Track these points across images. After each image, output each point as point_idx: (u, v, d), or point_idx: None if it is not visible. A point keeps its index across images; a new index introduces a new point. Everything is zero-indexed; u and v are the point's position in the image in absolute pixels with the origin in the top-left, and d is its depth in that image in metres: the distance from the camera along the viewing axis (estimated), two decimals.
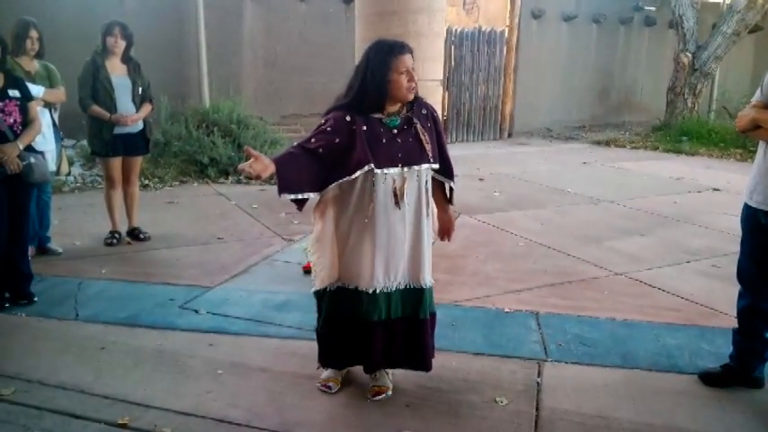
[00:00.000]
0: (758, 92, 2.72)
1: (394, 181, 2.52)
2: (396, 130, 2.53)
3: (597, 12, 13.07)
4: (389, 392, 2.78)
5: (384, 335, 2.66)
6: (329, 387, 2.82)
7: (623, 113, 14.15)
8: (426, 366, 2.75)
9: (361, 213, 2.56)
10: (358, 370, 2.93)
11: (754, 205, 2.73)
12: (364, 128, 2.49)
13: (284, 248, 4.88)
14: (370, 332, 2.63)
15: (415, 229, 2.62)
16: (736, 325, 2.95)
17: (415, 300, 2.68)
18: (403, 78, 2.49)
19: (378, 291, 2.60)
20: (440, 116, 2.77)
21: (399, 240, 2.59)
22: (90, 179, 7.04)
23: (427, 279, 2.70)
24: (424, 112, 2.63)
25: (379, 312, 2.61)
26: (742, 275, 2.89)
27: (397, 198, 2.53)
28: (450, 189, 2.80)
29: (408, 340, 2.70)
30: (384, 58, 2.50)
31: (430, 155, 2.59)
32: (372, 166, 2.47)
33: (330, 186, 2.55)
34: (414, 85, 2.52)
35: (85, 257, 4.56)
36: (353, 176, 2.49)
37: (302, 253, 4.45)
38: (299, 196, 2.53)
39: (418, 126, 2.57)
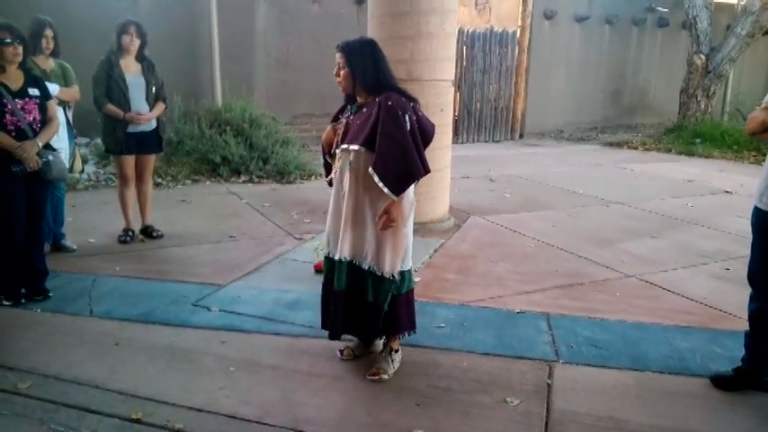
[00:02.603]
0: None
1: (340, 158, 2.86)
2: (352, 116, 2.87)
3: (610, 13, 13.02)
4: (385, 376, 2.89)
5: (340, 302, 2.90)
6: (340, 351, 3.11)
7: (636, 115, 14.09)
8: (368, 341, 3.10)
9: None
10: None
11: (763, 208, 2.72)
12: (340, 115, 2.98)
13: (295, 247, 4.90)
14: (335, 298, 2.91)
15: (341, 203, 2.85)
16: (748, 328, 2.94)
17: (359, 277, 2.87)
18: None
19: (328, 254, 2.97)
20: (392, 110, 2.69)
21: (336, 212, 2.90)
22: (104, 177, 7.11)
23: (352, 258, 2.84)
24: (377, 100, 2.75)
25: (333, 275, 2.90)
26: (753, 278, 2.88)
27: (333, 172, 2.92)
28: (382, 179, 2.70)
29: (356, 310, 2.92)
30: None
31: (355, 137, 2.79)
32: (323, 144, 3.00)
33: None
34: (337, 78, 2.85)
35: (99, 254, 4.61)
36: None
37: (313, 252, 4.47)
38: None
39: (349, 114, 2.88)
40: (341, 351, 3.11)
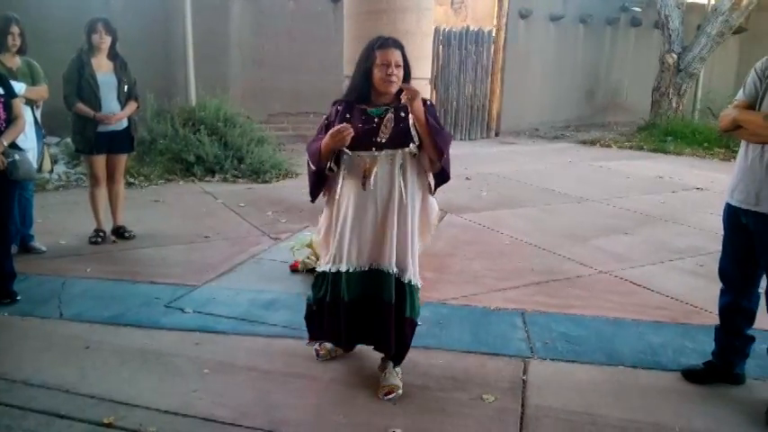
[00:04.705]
0: (740, 92, 2.76)
1: (365, 162, 2.65)
2: (377, 119, 2.66)
3: (584, 12, 13.16)
4: (400, 391, 2.78)
5: (357, 313, 2.76)
6: (317, 351, 3.04)
7: (609, 113, 14.27)
8: (388, 349, 2.80)
9: (339, 196, 2.73)
10: (347, 368, 2.94)
11: (735, 204, 2.77)
12: (347, 115, 2.69)
13: (271, 247, 4.86)
14: (348, 311, 2.76)
15: (385, 211, 2.68)
16: (719, 322, 2.99)
17: (384, 284, 2.71)
18: (380, 71, 2.63)
19: (351, 270, 2.73)
20: (434, 108, 2.77)
21: (369, 221, 2.70)
22: (75, 177, 6.97)
23: (398, 269, 2.71)
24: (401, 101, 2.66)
25: (355, 291, 2.74)
26: (724, 273, 2.93)
27: (365, 179, 2.64)
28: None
29: (375, 320, 2.76)
30: (368, 52, 2.69)
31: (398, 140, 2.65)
32: (344, 148, 2.63)
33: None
34: (392, 78, 2.62)
35: (70, 256, 4.52)
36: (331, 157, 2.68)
37: (289, 251, 4.44)
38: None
39: (388, 115, 2.65)
40: (317, 351, 3.08)
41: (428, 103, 2.71)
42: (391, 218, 2.68)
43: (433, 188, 2.81)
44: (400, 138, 2.65)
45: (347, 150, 2.65)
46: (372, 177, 2.64)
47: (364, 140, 2.64)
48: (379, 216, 2.69)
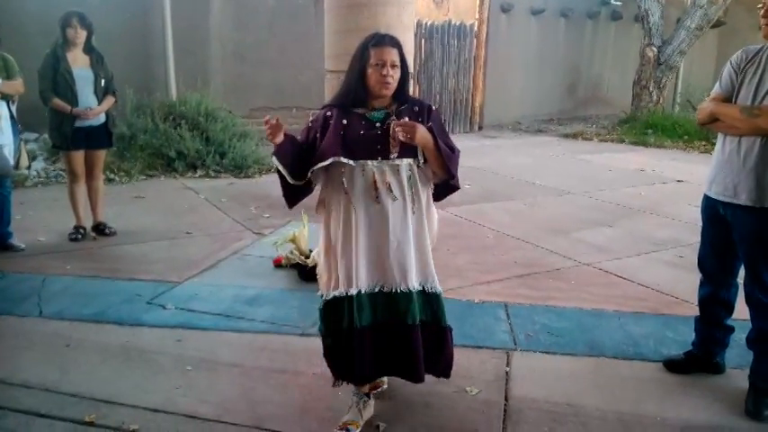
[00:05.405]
0: (717, 85, 2.78)
1: (373, 174, 2.40)
2: (378, 124, 2.41)
3: (565, 6, 13.23)
4: (385, 386, 2.78)
5: (372, 342, 2.45)
6: (347, 429, 2.50)
7: (590, 107, 14.38)
8: (419, 377, 2.51)
9: (344, 211, 2.44)
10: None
11: (713, 196, 2.79)
12: (344, 121, 2.41)
13: (254, 242, 4.84)
14: (363, 339, 2.44)
15: (403, 225, 2.44)
16: (698, 313, 3.03)
17: (409, 307, 2.45)
18: (375, 71, 2.37)
19: (363, 292, 2.42)
20: (439, 114, 2.57)
21: (384, 236, 2.42)
22: (53, 173, 6.88)
23: (416, 282, 2.47)
24: (416, 109, 2.47)
25: (369, 317, 2.43)
26: (703, 265, 2.96)
27: (377, 191, 2.40)
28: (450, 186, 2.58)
29: (398, 347, 2.48)
30: (361, 51, 2.42)
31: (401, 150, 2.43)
32: (340, 158, 2.35)
33: (316, 185, 2.49)
34: (387, 79, 2.37)
35: (49, 253, 4.46)
36: (323, 164, 2.38)
37: (272, 247, 4.42)
38: (287, 178, 2.43)
39: (393, 126, 2.37)
40: (347, 429, 2.50)
41: (433, 110, 2.50)
42: (406, 230, 2.44)
43: (435, 196, 2.64)
44: (408, 150, 2.42)
45: (350, 161, 2.37)
46: (386, 189, 2.40)
47: (369, 149, 2.39)
48: (396, 230, 2.42)
